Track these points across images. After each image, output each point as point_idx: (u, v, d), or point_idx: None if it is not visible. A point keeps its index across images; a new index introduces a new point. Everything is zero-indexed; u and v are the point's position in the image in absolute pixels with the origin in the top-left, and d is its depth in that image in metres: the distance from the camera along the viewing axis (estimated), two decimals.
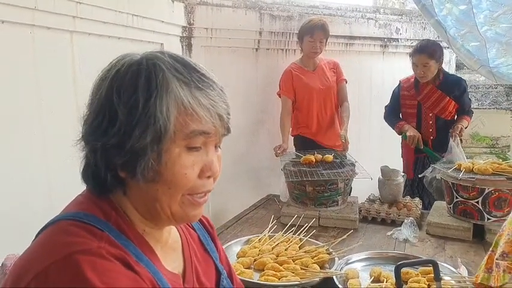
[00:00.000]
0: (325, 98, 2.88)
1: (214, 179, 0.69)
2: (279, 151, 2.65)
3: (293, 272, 1.42)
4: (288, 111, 2.86)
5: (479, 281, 0.99)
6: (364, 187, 2.43)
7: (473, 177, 1.83)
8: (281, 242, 1.70)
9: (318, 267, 1.47)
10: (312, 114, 2.88)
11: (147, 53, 0.66)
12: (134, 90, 0.61)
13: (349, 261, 1.53)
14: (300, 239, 1.72)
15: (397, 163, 2.76)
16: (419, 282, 1.33)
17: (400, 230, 1.87)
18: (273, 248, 1.63)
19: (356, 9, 3.54)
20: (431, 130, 2.79)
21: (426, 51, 2.63)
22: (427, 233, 1.91)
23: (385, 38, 3.73)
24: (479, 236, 1.84)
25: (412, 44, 3.75)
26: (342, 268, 1.46)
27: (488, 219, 1.82)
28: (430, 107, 2.76)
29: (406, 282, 1.35)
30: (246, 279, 1.37)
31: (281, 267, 1.46)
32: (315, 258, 1.53)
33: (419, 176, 2.53)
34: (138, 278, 0.60)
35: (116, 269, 0.57)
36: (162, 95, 0.61)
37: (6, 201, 1.54)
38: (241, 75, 2.99)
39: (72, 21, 1.79)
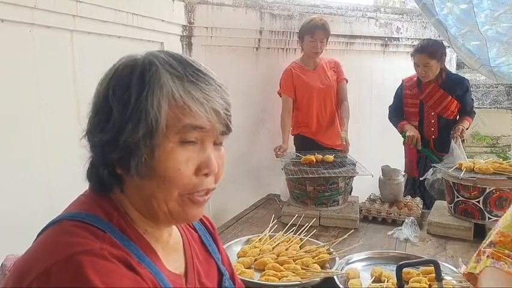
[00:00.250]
0: (325, 97, 2.87)
1: (216, 177, 0.68)
2: (279, 152, 2.65)
3: (294, 272, 1.42)
4: (289, 110, 2.86)
5: (468, 271, 1.00)
6: (364, 187, 2.42)
7: (474, 177, 1.83)
8: (281, 241, 1.70)
9: (319, 267, 1.46)
10: (311, 113, 2.87)
11: (147, 52, 0.66)
12: (128, 85, 0.62)
13: (350, 261, 1.53)
14: (300, 238, 1.72)
15: (397, 162, 2.75)
16: (420, 282, 1.33)
17: (400, 229, 1.87)
18: (273, 248, 1.63)
19: (357, 8, 3.53)
20: (433, 129, 2.79)
21: (427, 51, 2.63)
22: (428, 233, 1.91)
23: (385, 37, 3.72)
24: (480, 236, 1.83)
25: (412, 43, 3.75)
26: (342, 268, 1.46)
27: (489, 218, 1.82)
28: (432, 106, 2.76)
29: (407, 282, 1.35)
30: (247, 279, 1.37)
31: (282, 267, 1.45)
32: (316, 258, 1.53)
33: (421, 178, 2.53)
34: (139, 279, 0.60)
35: (117, 270, 0.57)
36: (154, 89, 0.61)
37: (6, 201, 1.53)
38: (242, 75, 2.99)
39: (72, 20, 1.78)
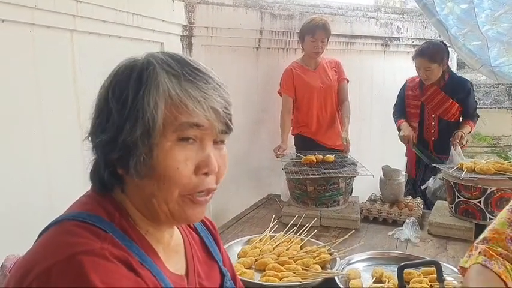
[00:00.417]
0: (326, 97, 2.87)
1: (217, 177, 0.68)
2: (278, 152, 2.65)
3: (294, 273, 1.42)
4: (289, 109, 2.85)
5: (460, 265, 1.00)
6: (365, 187, 2.42)
7: (476, 177, 1.83)
8: (282, 242, 1.70)
9: (320, 268, 1.46)
10: (311, 113, 2.87)
11: (147, 53, 0.67)
12: (126, 86, 0.62)
13: (351, 262, 1.52)
14: (301, 239, 1.71)
15: (398, 162, 2.75)
16: (421, 283, 1.33)
17: (401, 230, 1.86)
18: (274, 248, 1.63)
19: (357, 8, 3.53)
20: (433, 131, 2.78)
21: (427, 55, 2.59)
22: (428, 233, 1.90)
23: (386, 37, 3.72)
24: None
25: (413, 43, 3.75)
26: (343, 268, 1.45)
27: (491, 219, 1.81)
28: (433, 108, 2.75)
29: (408, 283, 1.34)
30: (247, 280, 1.37)
31: (282, 268, 1.45)
32: (316, 258, 1.52)
33: (422, 187, 2.52)
34: (139, 280, 0.60)
35: (117, 271, 0.57)
36: (151, 88, 0.61)
37: (6, 201, 1.53)
38: (242, 75, 2.98)
39: (72, 20, 1.78)
